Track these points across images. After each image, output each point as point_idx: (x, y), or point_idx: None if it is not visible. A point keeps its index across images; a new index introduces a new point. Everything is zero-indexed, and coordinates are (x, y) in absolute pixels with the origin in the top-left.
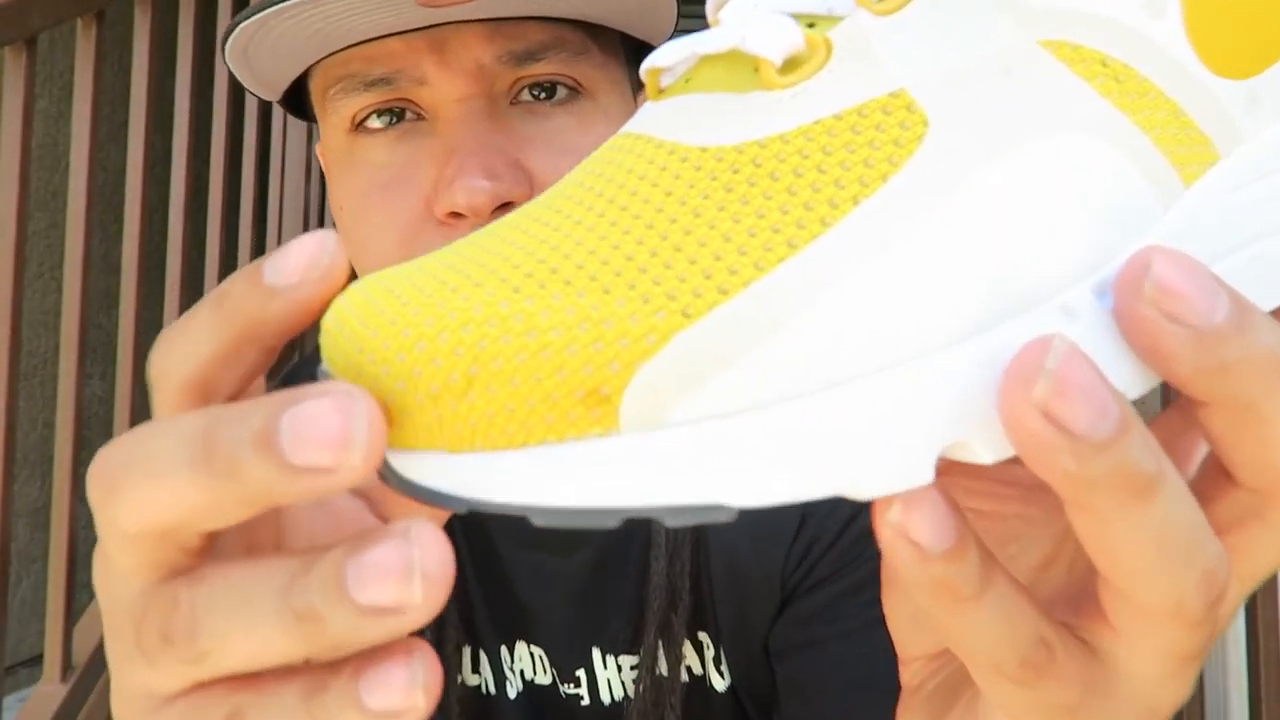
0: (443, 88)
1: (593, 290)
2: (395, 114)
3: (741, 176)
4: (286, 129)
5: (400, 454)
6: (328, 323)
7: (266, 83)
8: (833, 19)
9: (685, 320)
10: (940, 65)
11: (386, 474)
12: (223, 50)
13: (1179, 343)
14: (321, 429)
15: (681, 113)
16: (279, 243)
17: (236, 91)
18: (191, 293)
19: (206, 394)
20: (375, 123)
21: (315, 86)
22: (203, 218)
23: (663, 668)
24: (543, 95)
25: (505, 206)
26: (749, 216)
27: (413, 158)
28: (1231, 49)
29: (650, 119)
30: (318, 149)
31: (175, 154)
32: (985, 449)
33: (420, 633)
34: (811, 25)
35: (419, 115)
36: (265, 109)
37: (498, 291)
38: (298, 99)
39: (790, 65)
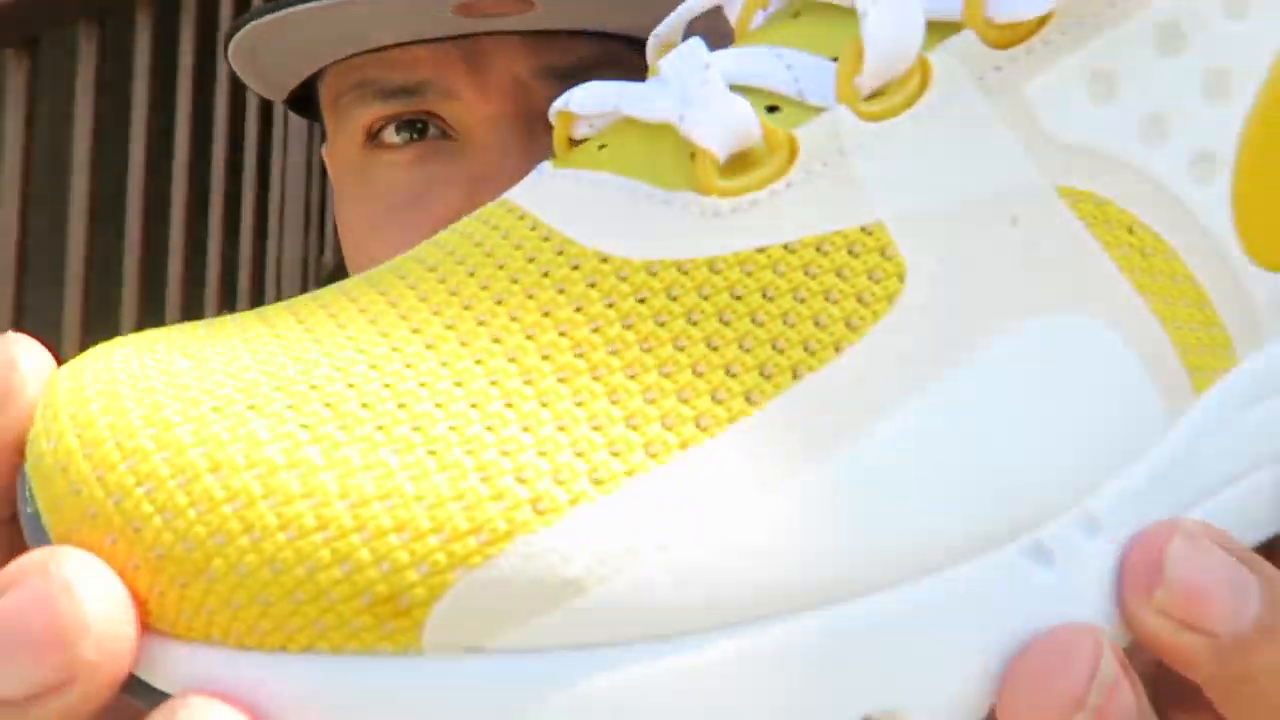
0: (475, 105)
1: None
2: (417, 129)
3: (648, 310)
4: (288, 130)
5: None
6: (34, 443)
7: (273, 83)
8: (804, 108)
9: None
10: (932, 199)
11: None
12: (225, 49)
13: (1195, 651)
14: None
15: (584, 195)
16: (280, 244)
17: (237, 92)
18: (192, 293)
19: None
20: (394, 137)
21: (326, 90)
22: (204, 219)
23: None
24: None
25: None
26: (648, 373)
27: (435, 181)
28: (1278, 233)
29: (544, 192)
30: (323, 151)
31: (176, 154)
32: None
33: None
34: (772, 109)
35: (444, 133)
36: (266, 110)
37: (275, 425)
38: (304, 98)
39: (738, 165)
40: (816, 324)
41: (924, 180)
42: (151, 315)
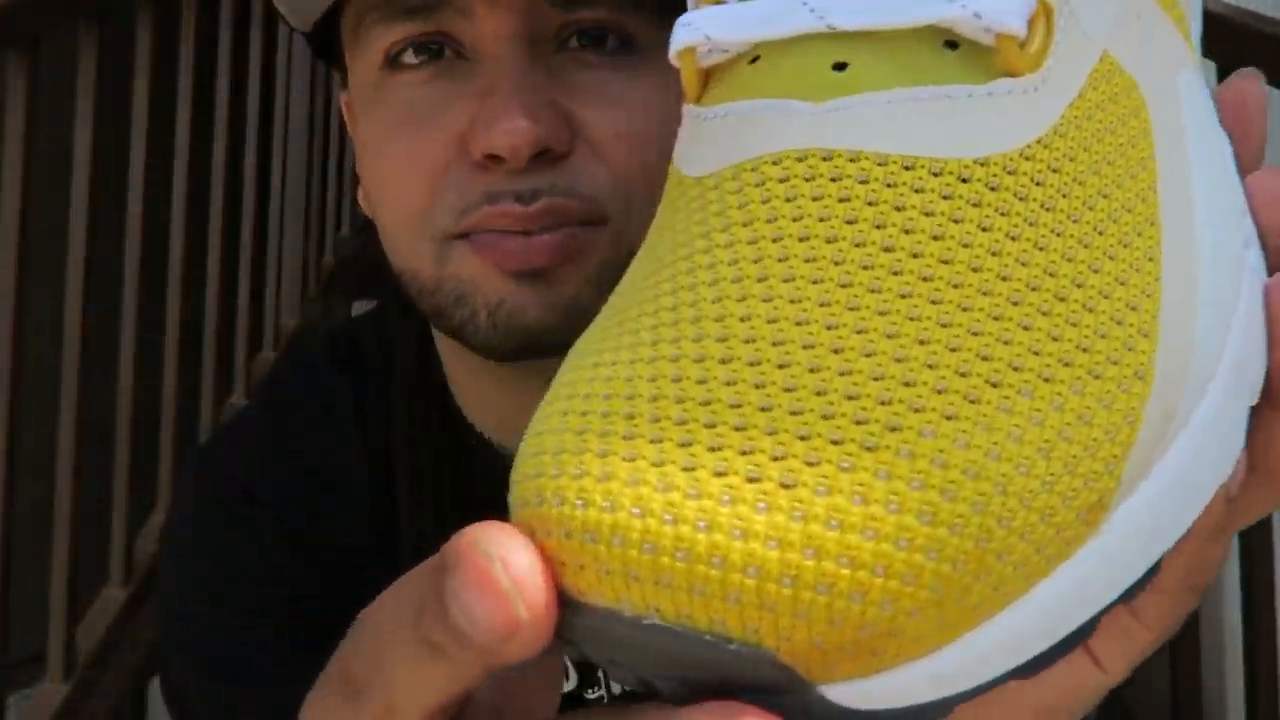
0: (487, 22)
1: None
2: (433, 50)
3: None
4: (288, 130)
5: (837, 686)
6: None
7: (301, 9)
8: None
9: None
10: (1109, 7)
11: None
12: (226, 40)
13: None
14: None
15: (883, 114)
16: (280, 245)
17: (238, 93)
18: (194, 294)
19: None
20: (411, 58)
21: (349, 15)
22: (204, 219)
23: None
24: (591, 44)
25: (545, 154)
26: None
27: (448, 95)
28: None
29: (828, 123)
30: (342, 98)
31: (177, 155)
32: None
33: None
34: None
35: (459, 54)
36: (267, 110)
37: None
38: (326, 38)
39: (1029, 38)
40: (1131, 176)
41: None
42: (152, 315)
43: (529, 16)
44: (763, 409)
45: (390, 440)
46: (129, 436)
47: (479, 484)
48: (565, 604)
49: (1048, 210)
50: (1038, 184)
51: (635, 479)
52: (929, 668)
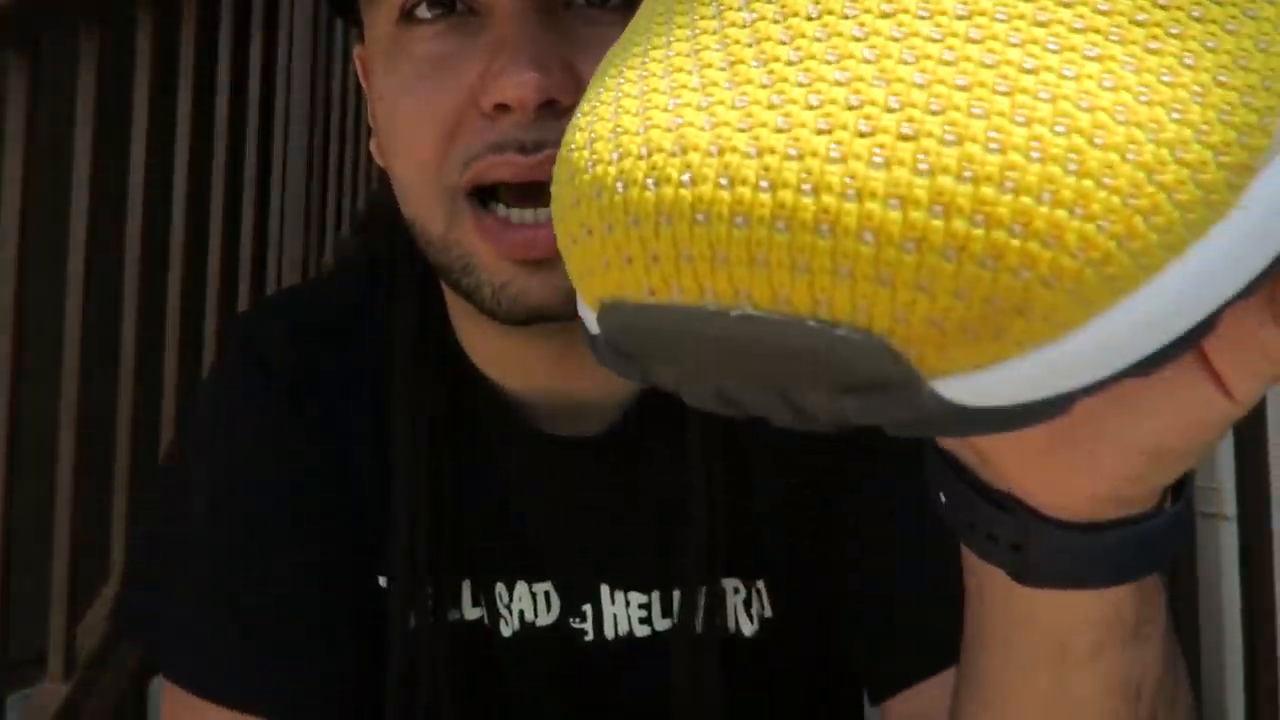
0: None
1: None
2: (446, 4)
3: None
4: (288, 130)
5: (953, 379)
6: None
7: None
8: None
9: None
10: None
11: (932, 409)
12: (225, 36)
13: None
14: None
15: None
16: (281, 246)
17: (238, 93)
18: (194, 295)
19: None
20: (425, 13)
21: None
22: (204, 219)
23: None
24: (597, 0)
25: (551, 104)
26: None
27: (460, 48)
28: None
29: None
30: (356, 54)
31: (177, 155)
32: None
33: (412, 564)
34: None
35: (470, 9)
36: (267, 110)
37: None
38: None
39: None
40: None
41: None
42: (153, 315)
43: None
44: (856, 38)
45: (393, 361)
46: (129, 436)
47: (476, 415)
48: (631, 309)
49: None
50: None
51: (719, 144)
52: (1051, 356)
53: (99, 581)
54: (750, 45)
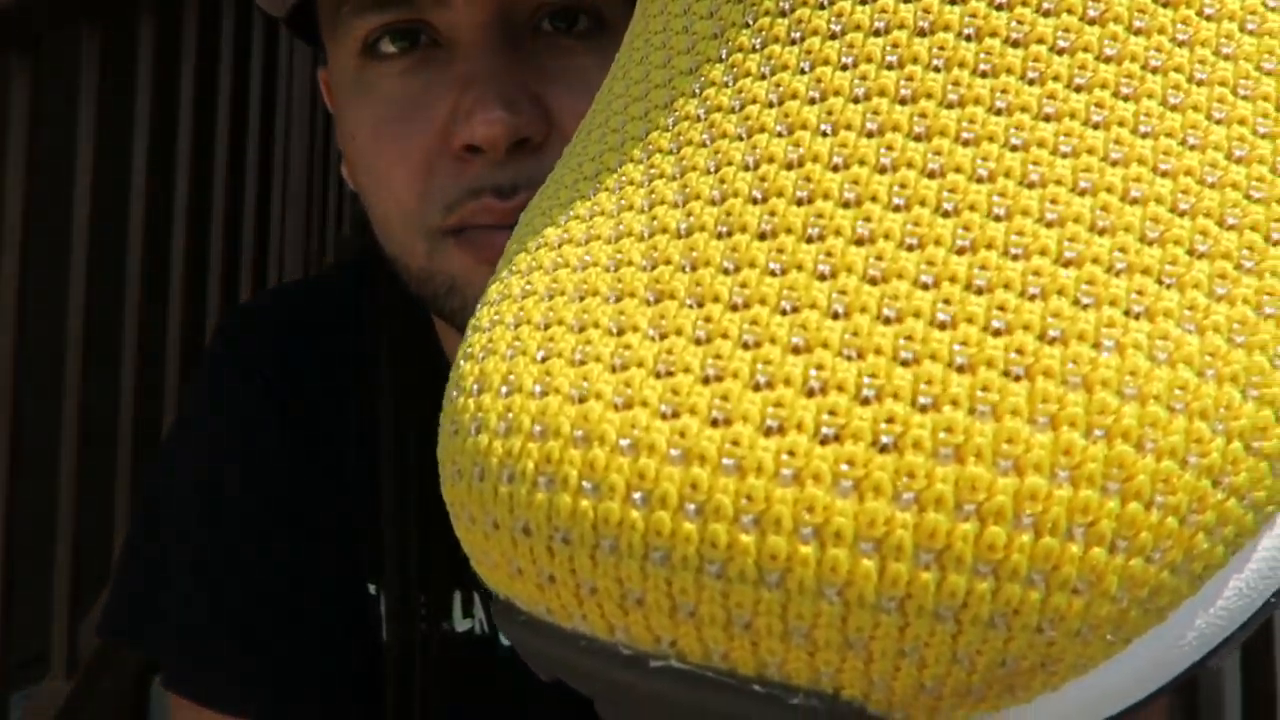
0: (463, 12)
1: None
2: (410, 38)
3: None
4: (290, 131)
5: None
6: None
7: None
8: None
9: None
10: None
11: None
12: (229, 47)
13: None
14: None
15: None
16: (282, 246)
17: (240, 95)
18: (196, 294)
19: None
20: (389, 47)
21: (325, 3)
22: (206, 219)
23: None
24: (564, 25)
25: (523, 143)
26: None
27: (428, 87)
28: None
29: None
30: (321, 75)
31: (179, 155)
32: None
33: (404, 575)
34: None
35: (435, 41)
36: (268, 111)
37: None
38: (305, 19)
39: None
40: None
41: None
42: (155, 315)
43: (501, 4)
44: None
45: (379, 365)
46: (131, 436)
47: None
48: (524, 622)
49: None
50: None
51: (633, 438)
52: (1088, 688)
53: (101, 581)
54: (684, 269)
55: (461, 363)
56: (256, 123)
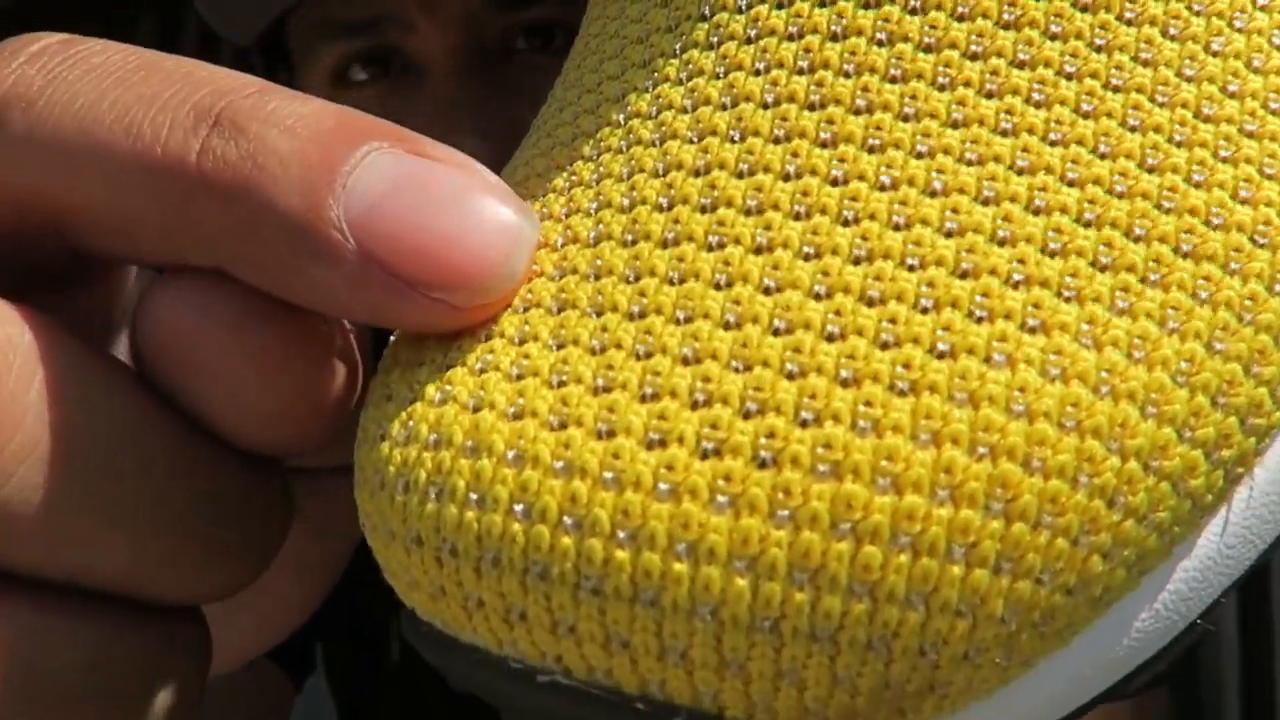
0: (431, 35)
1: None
2: (380, 63)
3: None
4: None
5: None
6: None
7: (240, 24)
8: None
9: None
10: None
11: None
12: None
13: None
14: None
15: None
16: None
17: None
18: None
19: None
20: (359, 74)
21: (293, 30)
22: None
23: None
24: (539, 43)
25: (501, 169)
26: None
27: (402, 115)
28: None
29: None
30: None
31: None
32: None
33: (387, 601)
34: None
35: (406, 65)
36: None
37: None
38: (274, 44)
39: None
40: None
41: None
42: None
43: (470, 25)
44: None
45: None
46: None
47: None
48: (424, 631)
49: None
50: None
51: (518, 448)
52: (992, 714)
53: None
54: (590, 278)
55: (376, 375)
56: None
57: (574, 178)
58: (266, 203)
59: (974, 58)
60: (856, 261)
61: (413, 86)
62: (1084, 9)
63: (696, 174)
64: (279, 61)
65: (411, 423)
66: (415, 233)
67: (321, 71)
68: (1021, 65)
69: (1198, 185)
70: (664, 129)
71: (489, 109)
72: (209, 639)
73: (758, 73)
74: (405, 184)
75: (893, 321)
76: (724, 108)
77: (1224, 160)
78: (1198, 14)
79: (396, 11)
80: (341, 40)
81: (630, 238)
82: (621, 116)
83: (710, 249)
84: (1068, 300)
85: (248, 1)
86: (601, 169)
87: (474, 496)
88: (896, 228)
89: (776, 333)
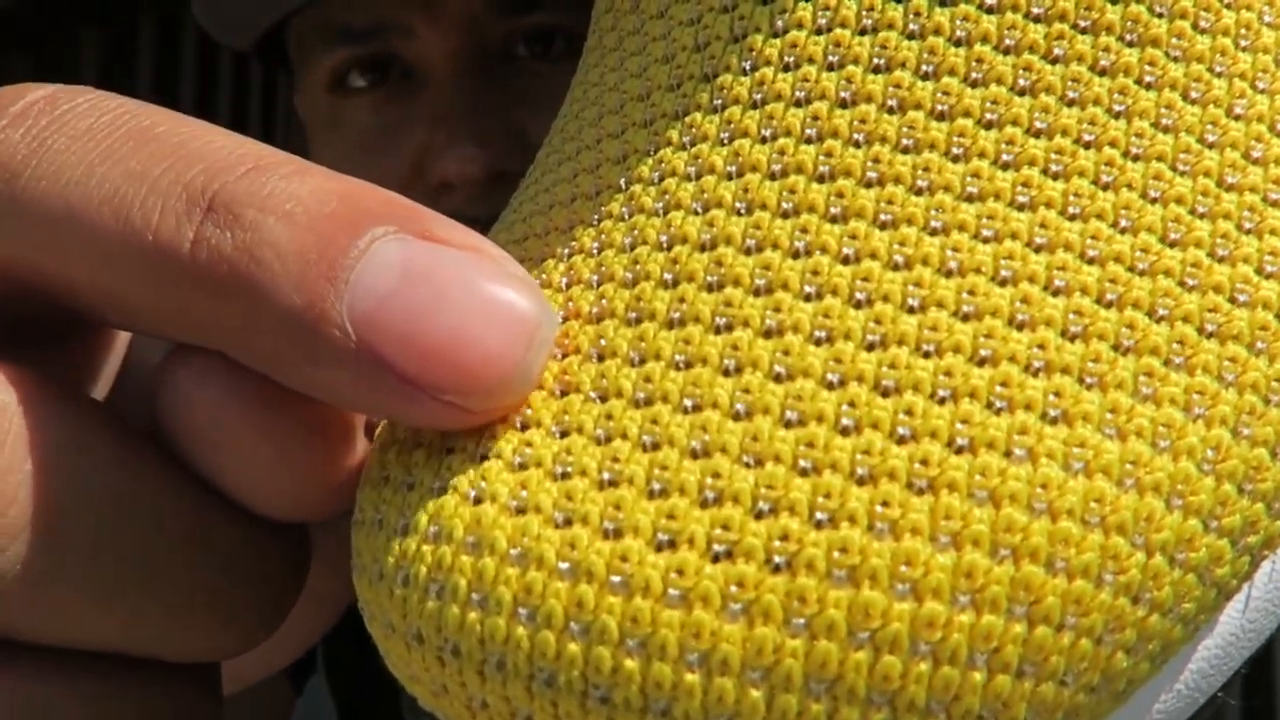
0: (432, 41)
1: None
2: (379, 69)
3: None
4: (291, 133)
5: None
6: None
7: (239, 30)
8: None
9: None
10: None
11: None
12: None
13: None
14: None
15: None
16: None
17: (239, 97)
18: None
19: None
20: (358, 80)
21: (292, 35)
22: None
23: None
24: (540, 49)
25: (500, 177)
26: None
27: (400, 121)
28: None
29: None
30: (296, 100)
31: None
32: None
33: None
34: None
35: (405, 72)
36: (269, 113)
37: None
38: (273, 49)
39: None
40: None
41: None
42: None
43: (472, 30)
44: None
45: None
46: None
47: None
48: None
49: None
50: None
51: (522, 546)
52: None
53: None
54: (593, 359)
55: (373, 450)
56: (257, 122)
57: (574, 244)
58: (265, 300)
59: (989, 126)
60: (870, 347)
61: (411, 94)
62: (1102, 72)
63: (702, 249)
64: (278, 65)
65: (409, 511)
66: (425, 332)
67: (321, 77)
68: (1038, 134)
69: (1221, 260)
70: (667, 197)
71: (488, 116)
72: (219, 688)
73: (764, 140)
74: (413, 276)
75: (909, 413)
76: (729, 177)
77: (1248, 232)
78: (1219, 75)
79: (397, 17)
80: (341, 46)
81: (634, 316)
82: (623, 180)
83: (717, 331)
84: (1089, 387)
85: (244, 7)
86: (603, 237)
87: (476, 597)
88: (911, 310)
89: (789, 425)
